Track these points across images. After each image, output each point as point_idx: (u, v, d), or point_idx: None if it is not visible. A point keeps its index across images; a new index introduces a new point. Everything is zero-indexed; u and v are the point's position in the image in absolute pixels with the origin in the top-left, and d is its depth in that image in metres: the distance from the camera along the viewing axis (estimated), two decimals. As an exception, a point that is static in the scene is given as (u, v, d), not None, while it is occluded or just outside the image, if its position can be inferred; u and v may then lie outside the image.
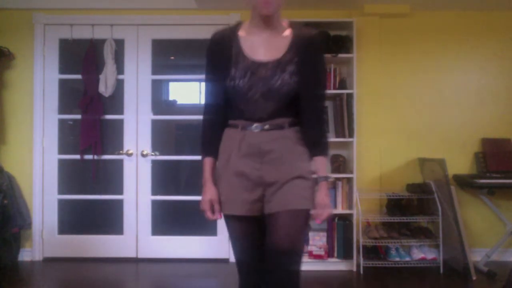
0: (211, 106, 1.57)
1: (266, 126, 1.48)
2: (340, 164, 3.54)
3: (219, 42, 1.53)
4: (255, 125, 1.49)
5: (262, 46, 1.49)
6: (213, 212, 1.51)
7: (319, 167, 1.52)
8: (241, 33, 1.53)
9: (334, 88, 3.53)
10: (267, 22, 1.48)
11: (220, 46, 1.52)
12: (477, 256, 3.51)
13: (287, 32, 1.52)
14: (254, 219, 1.50)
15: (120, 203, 3.75)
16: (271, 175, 1.47)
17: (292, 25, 1.55)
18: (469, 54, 3.77)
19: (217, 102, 1.54)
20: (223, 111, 1.54)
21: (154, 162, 3.74)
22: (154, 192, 3.74)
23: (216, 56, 1.53)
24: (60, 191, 3.76)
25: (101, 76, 3.66)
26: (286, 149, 1.49)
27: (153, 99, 3.76)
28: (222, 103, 1.53)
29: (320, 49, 1.57)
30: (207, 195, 1.51)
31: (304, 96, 1.49)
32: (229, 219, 1.53)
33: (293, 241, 1.43)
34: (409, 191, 3.57)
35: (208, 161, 1.56)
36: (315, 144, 1.53)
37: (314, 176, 1.50)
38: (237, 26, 1.56)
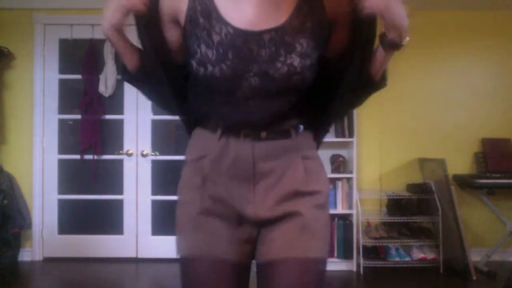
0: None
1: (263, 134, 0.95)
2: (340, 164, 3.54)
3: None
4: (245, 131, 0.95)
5: (250, 3, 0.91)
6: None
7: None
8: None
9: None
10: None
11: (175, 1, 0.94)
12: (477, 256, 3.51)
13: None
14: (237, 268, 0.95)
15: (120, 203, 3.75)
16: (269, 209, 0.94)
17: None
18: (469, 54, 3.77)
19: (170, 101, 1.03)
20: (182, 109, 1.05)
21: (154, 162, 3.74)
22: (154, 192, 3.74)
23: (166, 12, 0.96)
24: (60, 191, 3.76)
25: (101, 76, 3.66)
26: (294, 169, 0.96)
27: (153, 99, 3.75)
28: (177, 101, 1.02)
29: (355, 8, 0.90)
30: None
31: (329, 89, 0.98)
32: (191, 262, 0.95)
33: None
34: (409, 191, 3.57)
35: None
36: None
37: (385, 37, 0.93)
38: None
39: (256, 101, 0.93)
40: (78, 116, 3.70)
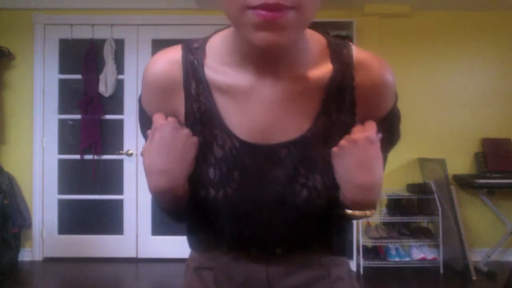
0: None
1: (279, 249, 0.79)
2: (340, 164, 3.54)
3: (166, 88, 0.74)
4: (257, 248, 0.79)
5: (263, 107, 0.71)
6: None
7: None
8: (212, 72, 0.72)
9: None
10: (271, 59, 0.69)
11: (170, 100, 0.74)
12: (477, 256, 3.51)
13: (321, 71, 0.71)
14: None
15: (120, 203, 3.75)
16: None
17: (332, 47, 0.73)
18: (469, 54, 3.77)
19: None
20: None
21: (154, 162, 3.73)
22: (154, 192, 3.73)
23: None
24: (60, 191, 3.76)
25: (101, 76, 3.66)
26: (318, 283, 0.81)
27: (153, 99, 3.76)
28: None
29: (392, 106, 0.81)
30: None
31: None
32: None
33: None
34: (409, 191, 3.57)
35: None
36: None
37: None
38: (202, 50, 0.74)
39: (270, 223, 0.75)
40: (78, 116, 3.70)
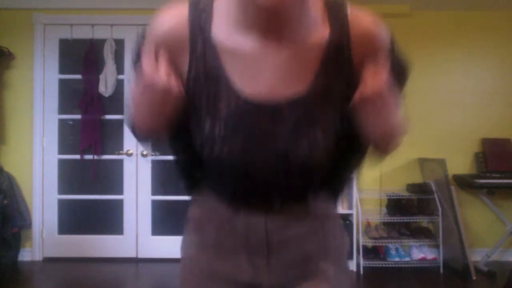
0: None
1: (277, 204, 0.84)
2: (340, 164, 3.54)
3: (172, 44, 0.75)
4: (256, 203, 0.84)
5: (267, 68, 0.74)
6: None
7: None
8: (219, 32, 0.75)
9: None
10: (275, 21, 0.71)
11: (174, 55, 0.75)
12: (477, 256, 3.51)
13: (320, 33, 0.75)
14: None
15: (120, 203, 3.75)
16: (285, 275, 0.86)
17: (329, 7, 0.77)
18: (469, 54, 3.77)
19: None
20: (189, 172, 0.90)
21: (154, 162, 3.74)
22: (154, 192, 3.74)
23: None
24: (60, 191, 3.75)
25: (101, 76, 3.65)
26: (312, 236, 0.87)
27: (153, 99, 3.76)
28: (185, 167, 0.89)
29: (395, 56, 0.83)
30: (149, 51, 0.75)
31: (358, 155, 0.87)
32: None
33: None
34: (409, 191, 3.57)
35: None
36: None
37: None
38: (209, 10, 0.75)
39: (271, 177, 0.79)
40: (78, 116, 3.70)
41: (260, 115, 0.75)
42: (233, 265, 0.84)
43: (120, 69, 3.72)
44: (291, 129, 0.75)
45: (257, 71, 0.74)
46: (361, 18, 0.78)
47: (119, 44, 3.73)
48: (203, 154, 0.78)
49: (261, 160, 0.77)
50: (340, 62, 0.76)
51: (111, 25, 3.72)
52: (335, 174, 0.89)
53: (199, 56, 0.75)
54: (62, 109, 3.76)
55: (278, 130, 0.75)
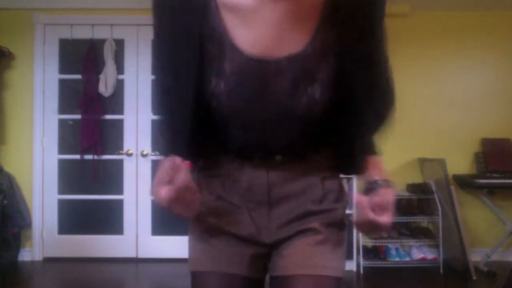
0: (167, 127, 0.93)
1: (279, 157, 0.88)
2: (340, 164, 3.54)
3: (176, 4, 0.80)
4: (259, 154, 0.88)
5: (267, 24, 0.78)
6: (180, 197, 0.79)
7: (375, 167, 0.94)
8: None
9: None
10: None
11: (182, 8, 0.80)
12: (477, 256, 3.51)
13: None
14: (248, 282, 0.92)
15: (120, 203, 3.75)
16: (285, 230, 0.90)
17: None
18: (469, 54, 3.77)
19: (181, 119, 0.87)
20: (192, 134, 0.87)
21: (154, 162, 3.74)
22: (154, 192, 3.73)
23: (174, 27, 0.81)
24: (60, 191, 3.75)
25: (101, 76, 3.65)
26: (312, 192, 0.91)
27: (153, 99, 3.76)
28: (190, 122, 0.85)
29: (379, 13, 0.83)
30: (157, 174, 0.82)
31: (355, 106, 0.86)
32: (201, 277, 0.92)
33: None
34: (409, 191, 3.57)
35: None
36: (366, 141, 0.94)
37: (369, 181, 0.94)
38: None
39: (272, 134, 0.85)
40: (78, 116, 3.70)
41: (261, 71, 0.79)
42: (235, 220, 0.89)
43: (120, 69, 3.72)
44: (291, 84, 0.79)
45: (257, 27, 0.78)
46: None
47: (119, 44, 3.73)
48: (210, 107, 0.82)
49: (262, 114, 0.82)
50: (338, 20, 0.79)
51: (111, 25, 3.72)
52: (338, 134, 0.90)
53: (200, 13, 0.79)
54: (62, 109, 3.76)
55: (279, 85, 0.80)
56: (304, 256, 0.88)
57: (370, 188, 0.94)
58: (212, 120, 0.87)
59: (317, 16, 0.79)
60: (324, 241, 0.89)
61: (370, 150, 0.95)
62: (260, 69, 0.79)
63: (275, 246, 0.91)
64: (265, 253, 0.92)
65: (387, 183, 0.94)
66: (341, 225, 0.94)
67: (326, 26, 0.79)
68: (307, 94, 0.80)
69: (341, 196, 0.96)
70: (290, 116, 0.82)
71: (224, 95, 0.80)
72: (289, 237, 0.90)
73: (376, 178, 0.94)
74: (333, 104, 0.83)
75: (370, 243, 3.46)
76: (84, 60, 3.70)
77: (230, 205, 0.90)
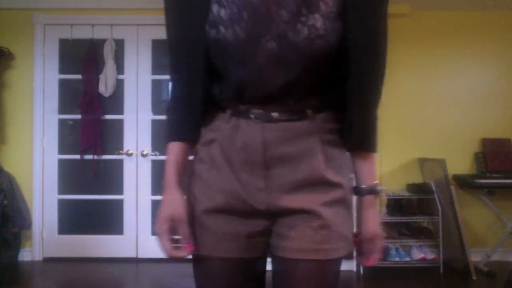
0: (180, 73, 0.91)
1: (275, 114, 0.86)
2: (340, 164, 3.54)
3: None
4: (255, 111, 0.86)
5: None
6: (175, 240, 0.89)
7: (366, 170, 0.96)
8: None
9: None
10: None
11: None
12: (477, 256, 3.50)
13: None
14: (249, 264, 0.92)
15: (120, 203, 3.75)
16: (285, 198, 0.87)
17: None
18: (469, 54, 3.77)
19: (190, 65, 0.87)
20: (201, 81, 0.87)
21: (154, 162, 3.74)
22: (154, 192, 3.74)
23: None
24: (60, 191, 3.76)
25: (101, 76, 3.66)
26: (312, 155, 0.87)
27: (153, 99, 3.76)
28: (198, 65, 0.86)
29: None
30: (166, 209, 0.92)
31: (356, 54, 0.83)
32: (202, 261, 0.93)
33: None
34: (409, 191, 3.57)
35: (175, 148, 0.92)
36: (363, 131, 0.91)
37: (358, 186, 0.95)
38: None
39: (272, 69, 0.81)
40: (78, 116, 3.70)
41: (263, 1, 0.79)
42: (237, 180, 0.87)
43: (120, 69, 3.72)
44: (292, 12, 0.78)
45: None
46: None
47: (119, 44, 3.73)
48: (209, 38, 0.82)
49: (262, 42, 0.80)
50: None
51: (111, 25, 3.72)
52: (337, 90, 0.87)
53: None
54: (62, 109, 3.76)
55: (280, 13, 0.79)
56: (306, 241, 0.86)
57: (357, 192, 0.95)
58: (212, 66, 0.86)
59: None
60: (327, 225, 0.87)
61: (368, 144, 0.93)
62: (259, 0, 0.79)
63: (273, 216, 0.89)
64: (263, 229, 0.89)
65: (374, 191, 0.96)
66: (345, 201, 0.92)
67: None
68: (308, 24, 0.79)
69: (345, 167, 0.92)
70: (291, 48, 0.79)
71: (224, 23, 0.80)
72: (289, 213, 0.87)
73: (368, 182, 0.95)
74: (335, 47, 0.81)
75: (370, 243, 3.45)
76: (84, 60, 3.70)
77: (226, 174, 0.88)
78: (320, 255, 0.86)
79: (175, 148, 0.92)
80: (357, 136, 0.90)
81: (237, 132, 0.87)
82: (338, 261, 0.91)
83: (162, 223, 0.89)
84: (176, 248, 0.88)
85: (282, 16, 0.79)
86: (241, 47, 0.80)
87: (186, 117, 0.90)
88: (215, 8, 0.81)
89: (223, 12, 0.80)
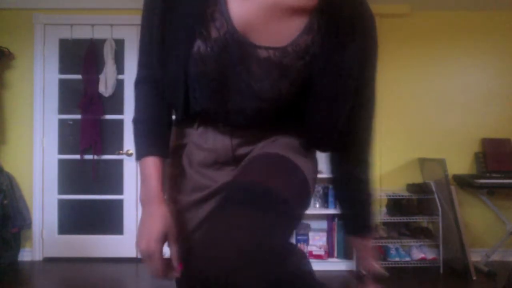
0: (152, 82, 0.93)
1: (241, 127, 0.92)
2: (340, 164, 3.54)
3: None
4: (223, 124, 0.92)
5: (261, 9, 0.81)
6: (164, 260, 0.87)
7: (368, 256, 0.98)
8: None
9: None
10: None
11: None
12: (477, 256, 3.51)
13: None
14: None
15: (120, 203, 3.75)
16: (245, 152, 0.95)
17: None
18: (469, 54, 3.77)
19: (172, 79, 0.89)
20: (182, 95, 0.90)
21: (154, 162, 3.73)
22: (154, 192, 3.73)
23: None
24: (60, 191, 3.76)
25: (101, 76, 3.66)
26: (273, 143, 0.93)
27: (153, 99, 3.76)
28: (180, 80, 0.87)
29: (371, 34, 0.88)
30: (158, 226, 0.86)
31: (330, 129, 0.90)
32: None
33: (270, 180, 0.82)
34: (409, 191, 3.57)
35: (156, 161, 0.91)
36: (362, 220, 0.97)
37: (361, 272, 1.00)
38: None
39: (235, 102, 0.87)
40: (78, 116, 3.70)
41: (241, 48, 0.81)
42: (205, 177, 0.93)
43: (120, 69, 3.72)
44: (263, 71, 0.82)
45: (251, 7, 0.80)
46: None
47: (119, 44, 3.73)
48: (189, 70, 0.84)
49: (233, 82, 0.84)
50: (325, 26, 0.82)
51: (111, 25, 3.72)
52: (313, 123, 0.91)
53: None
54: (62, 109, 3.76)
55: (252, 67, 0.82)
56: (262, 149, 0.92)
57: (360, 277, 1.01)
58: (190, 81, 0.88)
59: (307, 18, 0.82)
60: (283, 145, 0.93)
61: (366, 227, 0.99)
62: (241, 46, 0.81)
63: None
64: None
65: (376, 276, 0.99)
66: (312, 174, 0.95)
67: (311, 30, 0.82)
68: (275, 86, 0.83)
69: (302, 161, 0.93)
70: (254, 96, 0.84)
71: (203, 57, 0.82)
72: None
73: (369, 267, 1.00)
74: (296, 103, 0.88)
75: (370, 243, 3.45)
76: (84, 60, 3.70)
77: (196, 174, 0.94)
78: (276, 150, 0.91)
79: (156, 160, 0.91)
80: (357, 224, 0.99)
81: (205, 137, 0.93)
82: (296, 166, 0.92)
83: (155, 242, 0.84)
84: (169, 267, 0.87)
85: (254, 71, 0.83)
86: (213, 82, 0.86)
87: (162, 129, 0.93)
88: (198, 42, 0.83)
89: (203, 47, 0.82)
